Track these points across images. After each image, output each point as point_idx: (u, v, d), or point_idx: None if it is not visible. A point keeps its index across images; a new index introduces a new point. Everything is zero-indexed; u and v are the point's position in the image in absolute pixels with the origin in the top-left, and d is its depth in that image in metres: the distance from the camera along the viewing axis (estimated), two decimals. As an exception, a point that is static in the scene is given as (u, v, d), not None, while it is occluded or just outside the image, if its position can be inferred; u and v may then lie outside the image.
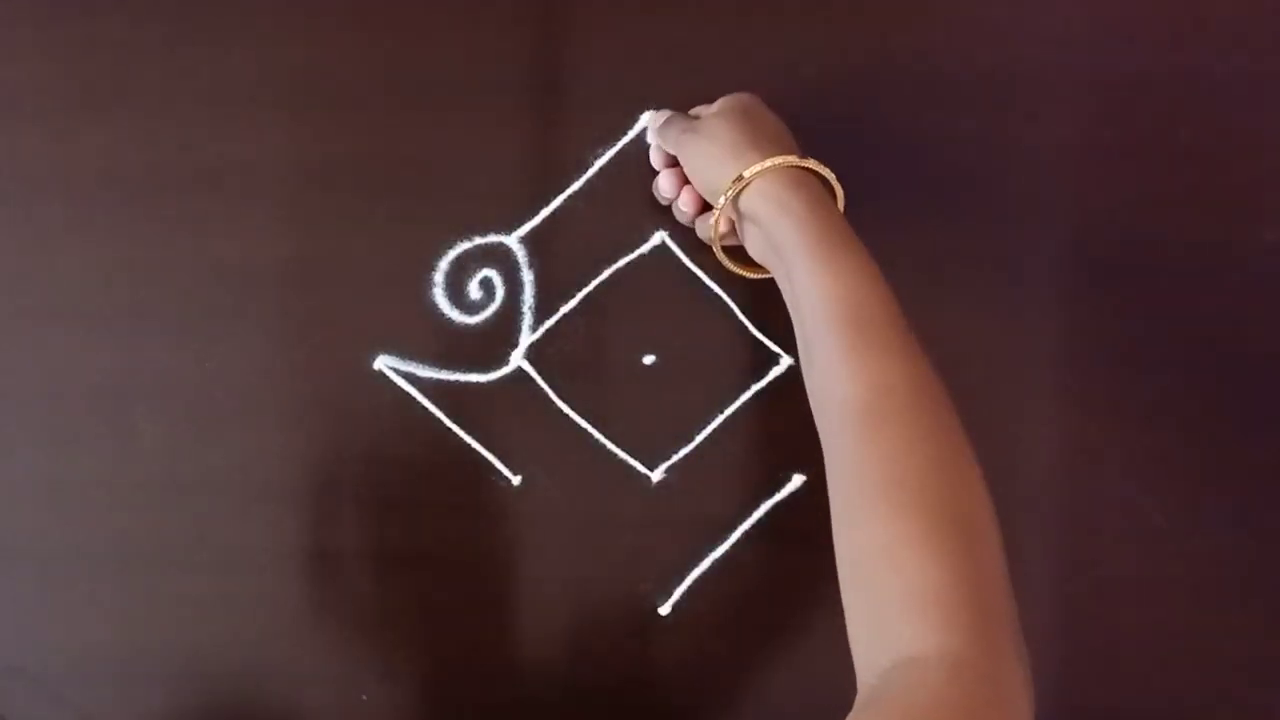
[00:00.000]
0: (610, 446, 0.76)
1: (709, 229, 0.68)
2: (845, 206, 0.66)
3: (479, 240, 0.75)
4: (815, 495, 0.76)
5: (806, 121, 0.74)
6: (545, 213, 0.75)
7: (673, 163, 0.72)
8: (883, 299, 0.58)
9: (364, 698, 0.77)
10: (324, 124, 0.75)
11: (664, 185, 0.72)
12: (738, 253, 0.69)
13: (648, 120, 0.75)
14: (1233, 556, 0.76)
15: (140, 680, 0.77)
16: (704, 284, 0.75)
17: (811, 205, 0.61)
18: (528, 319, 0.75)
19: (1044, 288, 0.75)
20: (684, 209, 0.72)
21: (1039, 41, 0.75)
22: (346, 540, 0.76)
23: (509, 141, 0.75)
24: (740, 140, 0.65)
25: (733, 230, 0.68)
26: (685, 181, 0.72)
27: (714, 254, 0.70)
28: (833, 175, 0.65)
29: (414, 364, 0.75)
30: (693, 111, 0.73)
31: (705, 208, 0.71)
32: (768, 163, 0.63)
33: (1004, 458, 0.76)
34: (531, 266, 0.75)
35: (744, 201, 0.64)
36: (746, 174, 0.63)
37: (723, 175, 0.64)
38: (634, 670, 0.77)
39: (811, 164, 0.64)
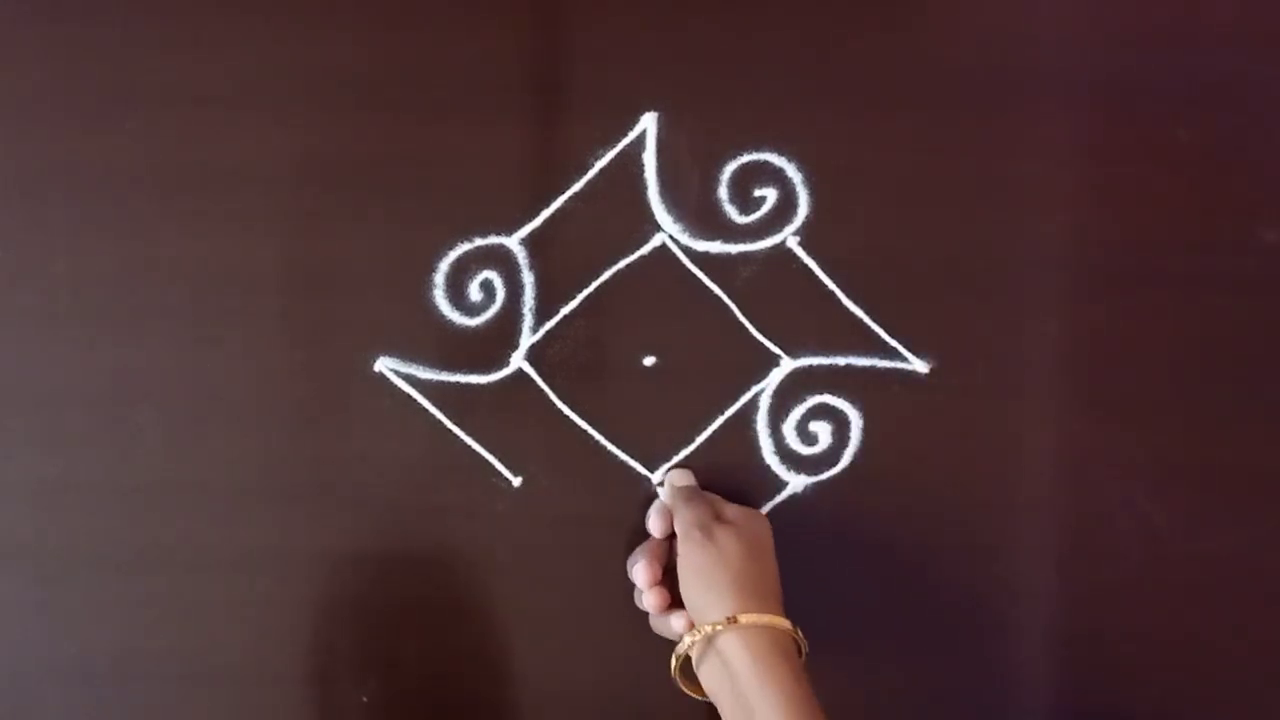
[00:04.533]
0: (610, 447, 0.76)
1: (670, 633, 0.69)
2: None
3: (479, 241, 0.75)
4: (815, 497, 0.76)
5: (806, 123, 0.74)
6: (545, 214, 0.75)
7: (667, 532, 0.72)
8: None
9: (364, 699, 0.77)
10: (324, 124, 0.74)
11: (641, 575, 0.71)
12: (687, 666, 0.68)
13: (669, 478, 0.76)
14: (1233, 557, 0.76)
15: (140, 680, 0.77)
16: (704, 285, 0.75)
17: (795, 680, 0.63)
18: (528, 320, 0.75)
19: (1044, 288, 0.75)
20: (651, 602, 0.70)
21: (1039, 41, 0.75)
22: (346, 541, 0.76)
23: (509, 142, 0.74)
24: (743, 578, 0.66)
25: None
26: (663, 569, 0.71)
27: (671, 659, 0.68)
28: (805, 643, 0.66)
29: (414, 365, 0.75)
30: (715, 503, 0.73)
31: (673, 604, 0.70)
32: (764, 619, 0.64)
33: (1004, 458, 0.76)
34: (532, 268, 0.75)
35: (724, 640, 0.65)
36: (742, 619, 0.64)
37: (716, 604, 0.65)
38: (633, 670, 0.77)
39: (793, 630, 0.66)
